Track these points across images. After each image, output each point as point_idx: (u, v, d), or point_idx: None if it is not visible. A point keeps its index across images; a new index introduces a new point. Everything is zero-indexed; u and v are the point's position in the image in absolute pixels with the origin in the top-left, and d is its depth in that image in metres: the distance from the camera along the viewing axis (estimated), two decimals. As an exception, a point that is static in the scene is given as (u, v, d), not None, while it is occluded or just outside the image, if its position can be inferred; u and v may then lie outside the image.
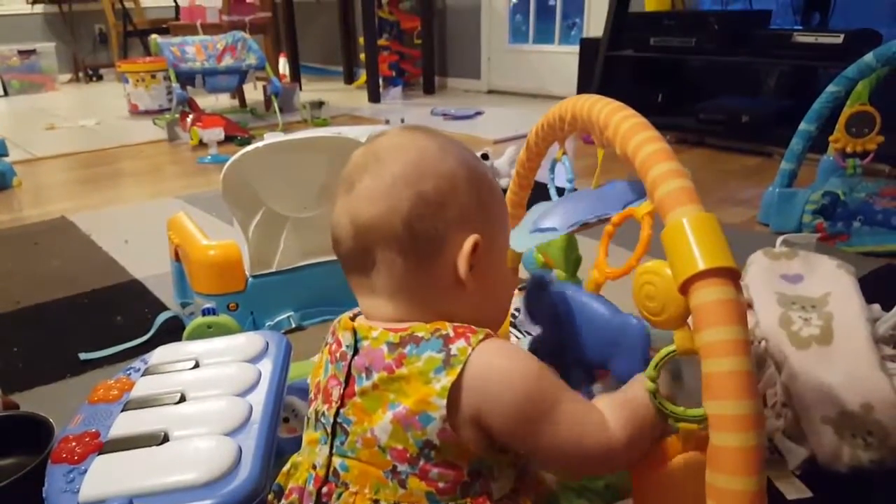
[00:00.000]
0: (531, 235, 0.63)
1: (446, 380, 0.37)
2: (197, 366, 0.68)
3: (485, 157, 1.82)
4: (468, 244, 0.41)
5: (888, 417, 0.64)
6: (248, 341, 0.72)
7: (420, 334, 0.39)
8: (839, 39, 1.83)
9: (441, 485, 0.38)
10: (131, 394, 0.64)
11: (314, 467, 0.43)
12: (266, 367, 0.67)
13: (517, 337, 0.82)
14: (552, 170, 0.71)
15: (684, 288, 0.38)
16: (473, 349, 0.38)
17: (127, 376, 0.68)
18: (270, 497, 0.48)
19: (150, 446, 0.55)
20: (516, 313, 0.81)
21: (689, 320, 0.40)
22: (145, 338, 0.99)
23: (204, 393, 0.63)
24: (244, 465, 0.53)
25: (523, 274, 0.72)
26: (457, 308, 0.42)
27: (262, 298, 0.98)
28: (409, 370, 0.38)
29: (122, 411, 0.61)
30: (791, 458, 0.68)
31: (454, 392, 0.37)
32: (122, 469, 0.53)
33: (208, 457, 0.53)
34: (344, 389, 0.41)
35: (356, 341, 0.42)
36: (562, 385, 0.40)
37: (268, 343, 0.71)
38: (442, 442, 0.38)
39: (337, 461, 0.41)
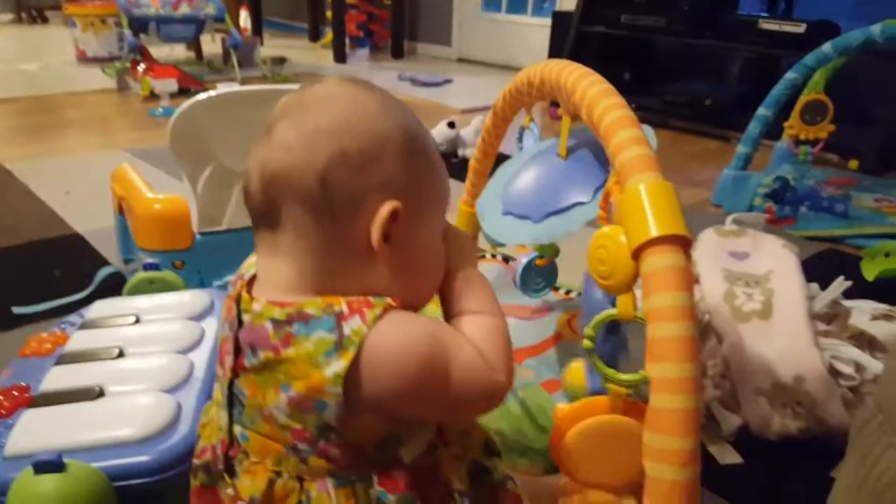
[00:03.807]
0: (504, 220, 0.61)
1: (338, 364, 0.35)
2: (138, 321, 0.66)
3: (451, 125, 1.80)
4: (385, 210, 0.37)
5: (817, 390, 0.67)
6: (193, 298, 0.69)
7: (310, 311, 0.36)
8: (801, 28, 1.87)
9: (343, 462, 0.37)
10: (66, 348, 0.61)
11: (220, 429, 0.41)
12: (211, 325, 0.65)
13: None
14: (520, 138, 0.70)
15: (637, 254, 0.38)
16: (370, 329, 0.35)
17: (62, 330, 0.65)
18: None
19: (83, 401, 0.53)
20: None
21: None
22: (84, 293, 0.95)
23: (144, 349, 0.61)
24: (183, 422, 0.52)
25: (482, 244, 0.71)
26: (368, 280, 0.38)
27: (209, 257, 0.94)
28: (297, 352, 0.35)
29: (54, 365, 0.58)
30: (725, 426, 0.71)
31: (349, 378, 0.35)
32: (52, 423, 0.51)
33: (146, 413, 0.51)
34: (234, 361, 0.39)
35: (239, 313, 0.39)
36: (451, 339, 0.38)
37: (214, 301, 0.69)
38: (341, 426, 0.36)
39: (238, 429, 0.40)
